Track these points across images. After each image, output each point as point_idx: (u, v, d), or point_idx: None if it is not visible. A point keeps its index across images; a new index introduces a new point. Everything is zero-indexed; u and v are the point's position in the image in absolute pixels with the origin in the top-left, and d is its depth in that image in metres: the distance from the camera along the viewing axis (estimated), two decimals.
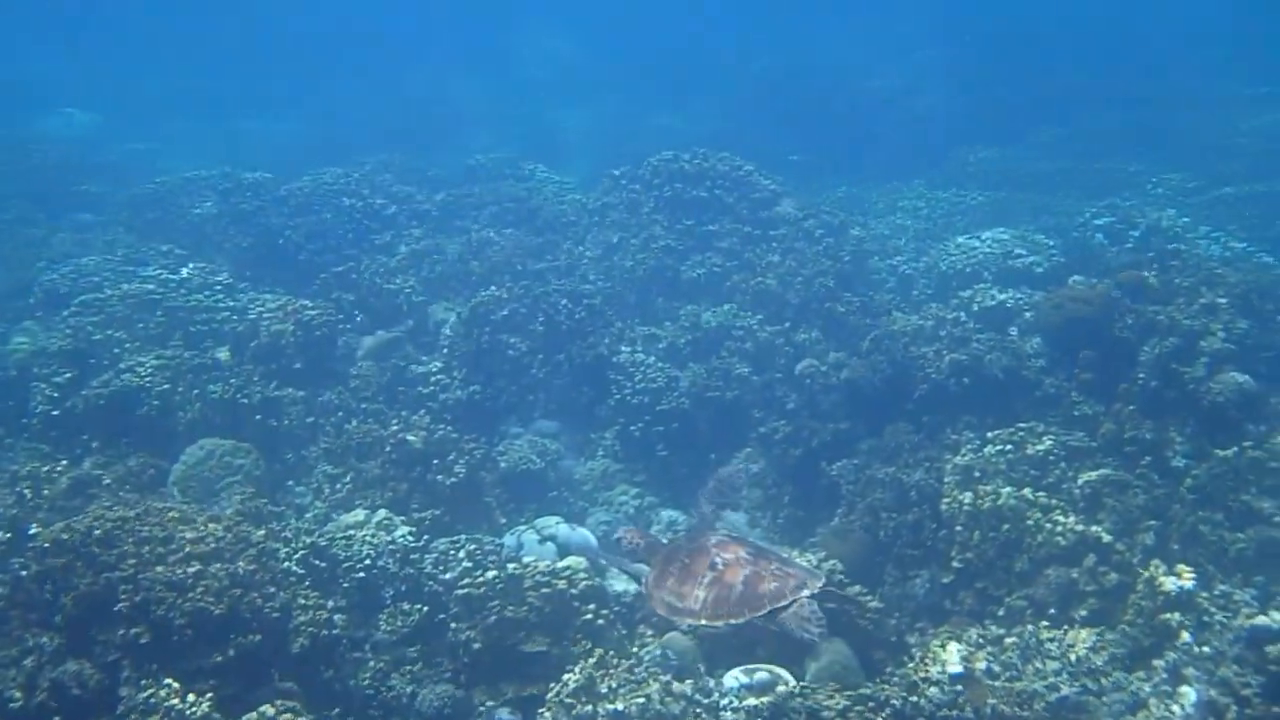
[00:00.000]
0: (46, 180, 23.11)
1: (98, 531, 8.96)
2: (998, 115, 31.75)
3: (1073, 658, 9.15)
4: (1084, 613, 9.62)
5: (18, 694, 7.93)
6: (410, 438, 12.14)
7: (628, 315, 16.44)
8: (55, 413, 13.00)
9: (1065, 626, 9.59)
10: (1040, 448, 11.76)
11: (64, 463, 11.53)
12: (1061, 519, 10.18)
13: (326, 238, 19.06)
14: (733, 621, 7.53)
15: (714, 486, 9.04)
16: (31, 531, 9.70)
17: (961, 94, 33.35)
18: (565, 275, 17.37)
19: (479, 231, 19.16)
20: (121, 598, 8.45)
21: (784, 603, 7.33)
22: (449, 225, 20.60)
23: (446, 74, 43.27)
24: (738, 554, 7.75)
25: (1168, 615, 9.15)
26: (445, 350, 14.98)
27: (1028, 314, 15.02)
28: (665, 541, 8.56)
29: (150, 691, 7.91)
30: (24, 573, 8.92)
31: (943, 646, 9.56)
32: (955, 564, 10.47)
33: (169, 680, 8.06)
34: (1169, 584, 9.39)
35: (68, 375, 13.52)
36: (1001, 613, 9.99)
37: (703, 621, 7.62)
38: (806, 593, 7.39)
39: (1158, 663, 8.88)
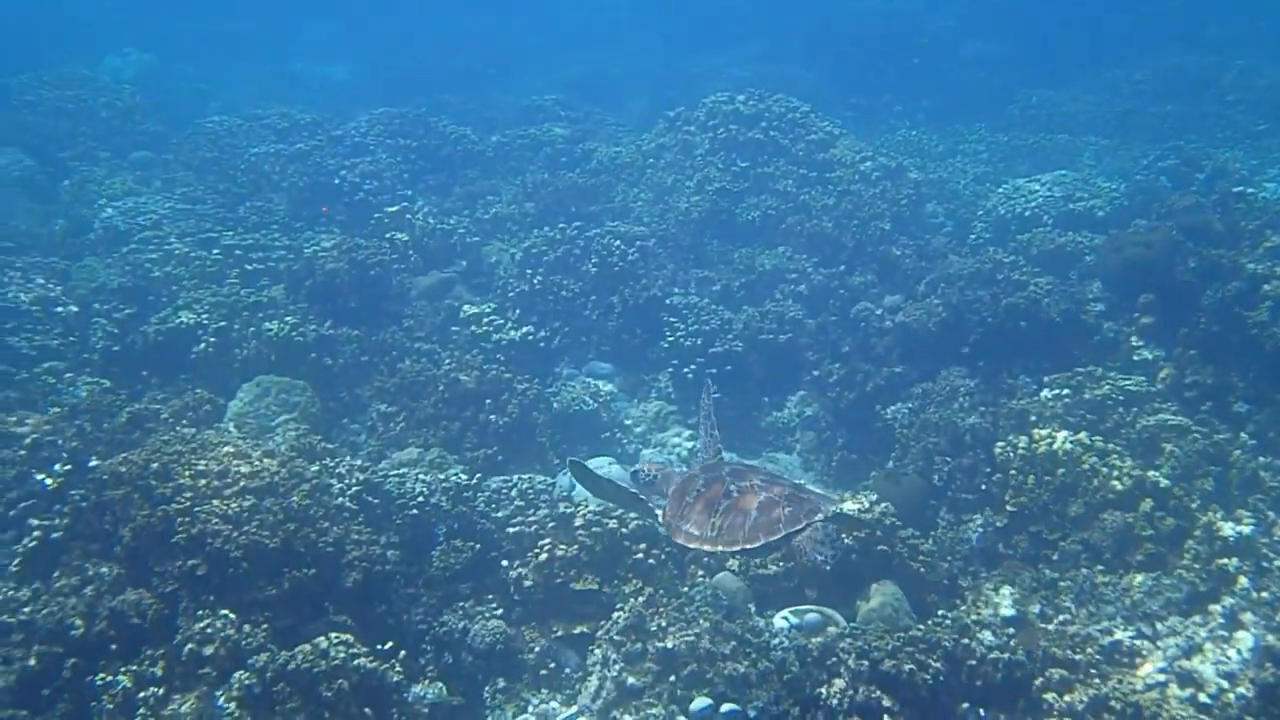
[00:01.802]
0: (108, 118, 23.26)
1: (155, 465, 9.08)
2: (1062, 57, 31.24)
3: (1128, 602, 9.08)
4: (1140, 557, 9.53)
5: (78, 622, 8.07)
6: (463, 377, 12.18)
7: (682, 258, 16.36)
8: (115, 348, 13.13)
9: (1120, 571, 9.51)
10: (1098, 392, 11.60)
11: (123, 396, 11.67)
12: (1118, 463, 10.08)
13: (381, 178, 19.12)
14: (748, 547, 7.52)
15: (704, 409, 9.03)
16: (91, 464, 9.83)
17: (1026, 35, 32.74)
18: (619, 217, 17.30)
19: (533, 173, 19.10)
20: (179, 530, 8.55)
21: (798, 527, 7.31)
22: (504, 166, 20.61)
23: (504, 15, 43.12)
24: (752, 481, 7.73)
25: (1225, 560, 9.08)
26: (499, 291, 14.97)
27: (1088, 258, 14.81)
28: (681, 472, 8.54)
29: (207, 622, 8.02)
30: (84, 504, 9.06)
31: (996, 590, 9.54)
32: (1009, 508, 10.38)
33: (225, 611, 8.17)
34: (1227, 529, 9.30)
35: (127, 311, 13.67)
36: (1056, 557, 9.91)
37: (719, 548, 7.61)
38: (820, 517, 7.36)
39: (1214, 608, 8.80)
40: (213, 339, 13.07)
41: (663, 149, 19.32)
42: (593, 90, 30.23)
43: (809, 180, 17.83)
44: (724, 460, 8.74)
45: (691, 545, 7.76)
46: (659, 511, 8.31)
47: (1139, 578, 9.29)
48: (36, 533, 8.86)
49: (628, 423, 13.42)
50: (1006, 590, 9.47)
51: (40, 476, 9.69)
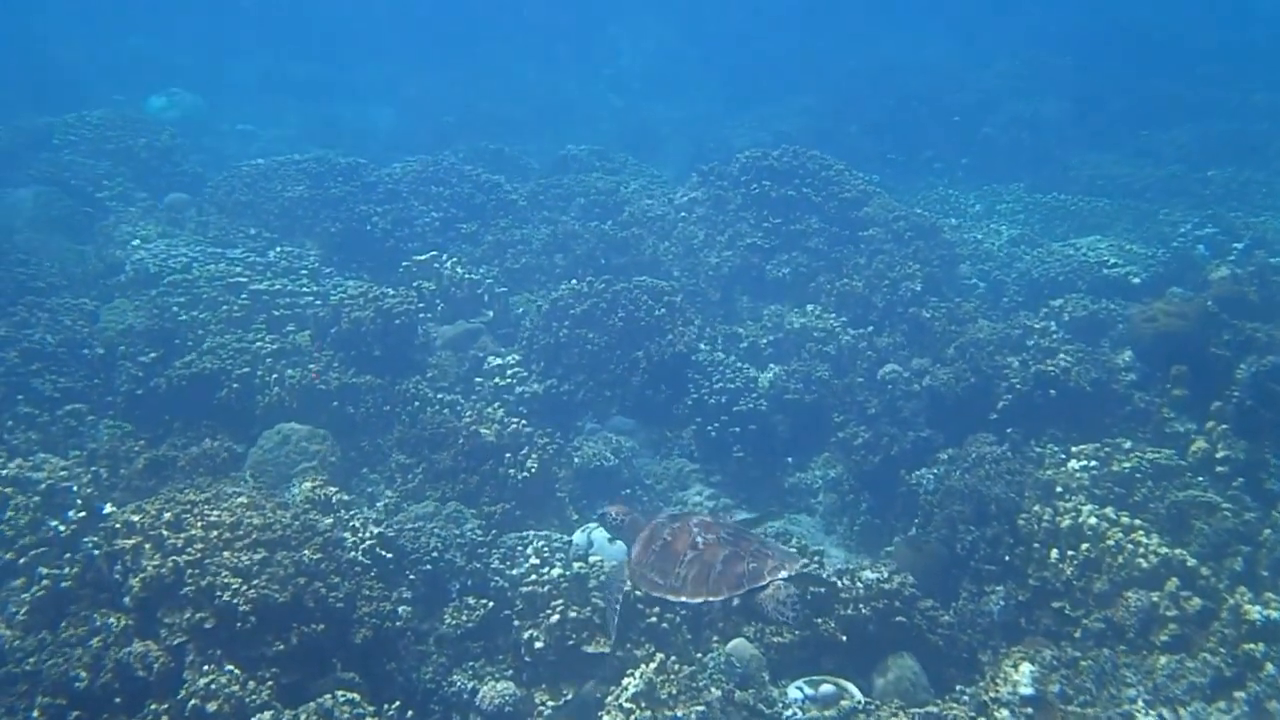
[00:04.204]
0: (147, 159, 23.46)
1: (168, 515, 9.05)
2: (1104, 119, 31.08)
3: (1150, 685, 8.86)
4: (1164, 638, 9.31)
5: (83, 674, 8.01)
6: (483, 430, 12.11)
7: (710, 313, 16.30)
8: (139, 392, 13.14)
9: (1144, 652, 9.29)
10: (1127, 465, 11.40)
11: (141, 443, 11.65)
12: (1144, 540, 9.87)
13: (413, 225, 19.16)
14: (711, 599, 7.51)
15: None
16: (105, 511, 9.80)
17: (1069, 96, 32.61)
18: (648, 270, 17.22)
19: (565, 223, 19.10)
20: (188, 582, 8.50)
21: (761, 583, 7.28)
22: (536, 215, 20.60)
23: (542, 65, 43.44)
24: (718, 534, 7.72)
25: (1252, 645, 8.85)
26: (524, 343, 14.93)
27: (1121, 326, 14.62)
28: (647, 519, 8.49)
29: (212, 677, 7.95)
30: (96, 552, 9.02)
31: (1015, 667, 9.33)
32: (1032, 582, 10.19)
33: (231, 667, 8.10)
34: (1254, 613, 9.08)
35: (153, 355, 13.68)
36: (1078, 634, 9.71)
37: (683, 598, 7.59)
38: (784, 574, 7.33)
39: (1239, 694, 8.59)
40: (235, 385, 13.05)
41: (695, 203, 19.27)
42: (632, 141, 30.31)
43: (841, 238, 17.75)
44: (694, 511, 8.72)
45: (655, 593, 7.75)
46: (625, 567, 8.29)
47: (1162, 660, 9.06)
48: (45, 581, 8.81)
49: (649, 481, 13.29)
50: (1026, 667, 9.26)
51: (54, 523, 9.66)
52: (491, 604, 9.88)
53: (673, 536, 7.79)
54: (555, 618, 9.35)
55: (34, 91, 30.57)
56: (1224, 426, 11.80)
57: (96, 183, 21.51)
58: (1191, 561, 9.74)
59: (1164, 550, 9.78)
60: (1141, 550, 9.77)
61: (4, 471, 9.97)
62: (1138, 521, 10.21)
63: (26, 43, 38.50)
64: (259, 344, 13.87)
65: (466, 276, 16.11)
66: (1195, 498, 10.82)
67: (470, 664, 9.41)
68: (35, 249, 17.80)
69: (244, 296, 15.17)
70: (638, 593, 8.27)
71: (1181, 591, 9.46)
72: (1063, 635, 9.81)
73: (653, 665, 8.89)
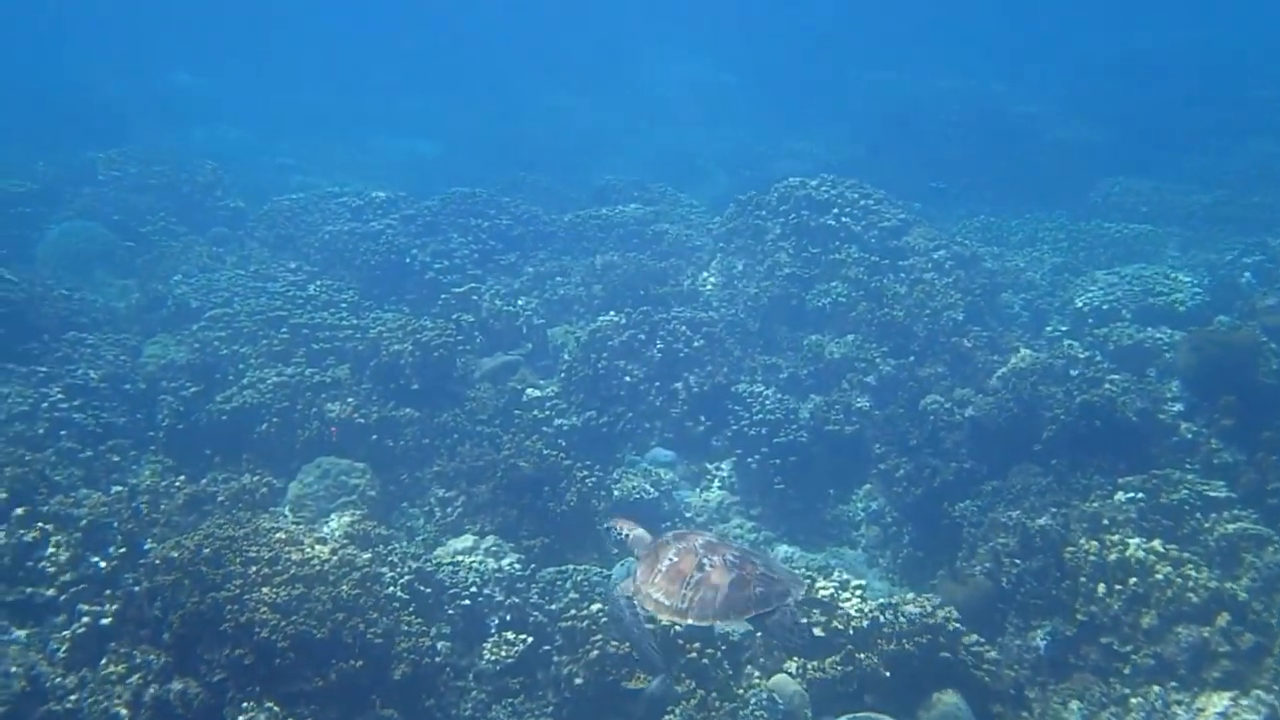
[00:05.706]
0: (189, 193, 23.66)
1: (207, 550, 9.06)
2: (1148, 144, 30.84)
3: None
4: (1216, 675, 9.13)
5: (124, 712, 8.02)
6: (522, 463, 12.07)
7: (749, 344, 16.18)
8: (180, 426, 13.18)
9: (1195, 689, 9.10)
10: (1175, 497, 11.20)
11: (181, 478, 11.66)
12: (1194, 574, 9.68)
13: (452, 257, 19.18)
14: (719, 624, 7.41)
15: None
16: (145, 547, 9.81)
17: (1112, 121, 32.39)
18: (687, 301, 17.17)
19: (604, 254, 19.09)
20: (227, 618, 8.50)
21: (769, 608, 7.17)
22: (575, 247, 20.60)
23: (580, 95, 43.62)
24: (724, 556, 7.60)
25: None
26: (563, 375, 14.89)
27: (1167, 355, 14.40)
28: (651, 537, 8.37)
29: (252, 714, 7.93)
30: (136, 589, 9.04)
31: (1064, 704, 9.20)
32: (1079, 617, 10.00)
33: (270, 704, 8.08)
34: None
35: (193, 389, 13.71)
36: (1127, 671, 9.52)
37: (690, 621, 7.48)
38: (791, 600, 7.22)
39: None
40: (275, 419, 13.06)
41: (734, 232, 19.17)
42: (669, 170, 30.34)
43: (881, 268, 17.60)
44: (700, 531, 8.70)
45: (659, 614, 7.65)
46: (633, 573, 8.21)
47: (1214, 697, 8.88)
48: (86, 618, 8.83)
49: (689, 514, 13.19)
50: (1075, 705, 9.13)
51: (95, 559, 9.66)
52: (531, 639, 9.82)
53: (679, 557, 7.71)
54: (595, 653, 9.27)
55: (79, 127, 30.96)
56: (1274, 457, 11.60)
57: (140, 217, 21.67)
58: (1243, 596, 9.55)
59: (1214, 584, 9.60)
60: (1191, 584, 9.59)
61: (46, 508, 9.98)
62: (1187, 555, 10.03)
63: (72, 79, 39.00)
64: (298, 378, 13.87)
65: (505, 309, 16.12)
66: (1245, 530, 10.62)
67: (509, 700, 9.35)
68: (79, 284, 17.97)
69: (284, 330, 15.21)
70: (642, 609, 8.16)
71: (1234, 627, 9.27)
72: (1112, 672, 9.62)
73: (693, 702, 8.81)
